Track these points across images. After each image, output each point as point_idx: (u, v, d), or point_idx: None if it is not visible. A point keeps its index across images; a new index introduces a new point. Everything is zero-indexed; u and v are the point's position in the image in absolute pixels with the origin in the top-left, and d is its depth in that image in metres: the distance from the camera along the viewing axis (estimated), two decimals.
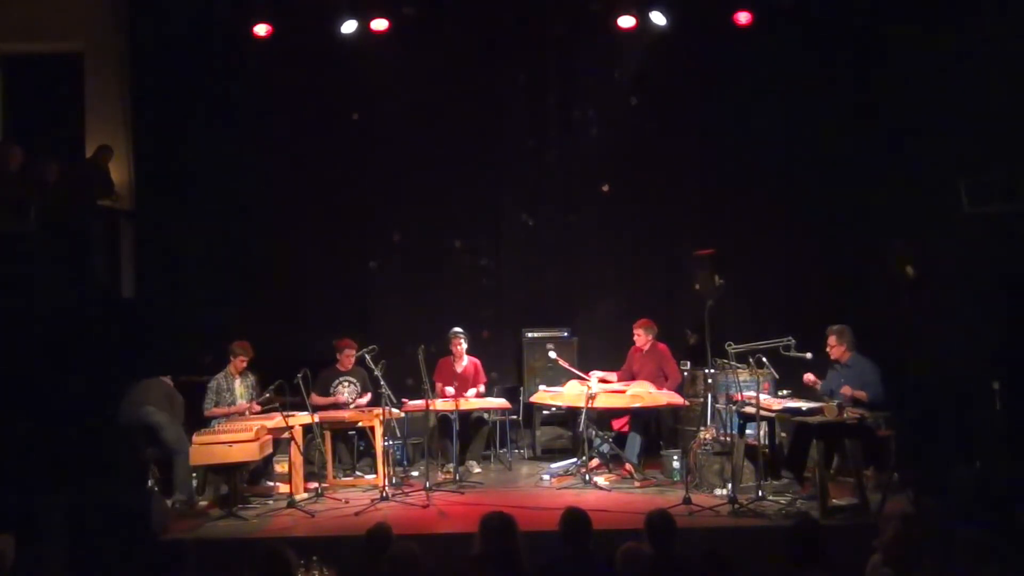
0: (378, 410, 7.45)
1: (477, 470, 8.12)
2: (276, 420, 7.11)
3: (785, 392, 7.37)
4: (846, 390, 6.87)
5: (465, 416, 7.97)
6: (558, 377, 8.41)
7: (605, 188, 9.36)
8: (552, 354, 8.25)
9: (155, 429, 7.08)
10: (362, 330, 8.42)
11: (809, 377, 7.16)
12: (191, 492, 7.13)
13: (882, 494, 6.41)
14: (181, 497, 7.02)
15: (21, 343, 6.89)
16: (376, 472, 7.44)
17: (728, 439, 7.00)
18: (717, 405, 7.47)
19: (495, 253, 9.51)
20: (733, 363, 6.89)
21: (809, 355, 6.81)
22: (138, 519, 5.76)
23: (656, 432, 8.31)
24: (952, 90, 7.80)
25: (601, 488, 7.27)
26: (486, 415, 8.36)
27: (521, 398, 8.88)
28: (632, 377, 8.03)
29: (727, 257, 8.03)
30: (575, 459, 7.94)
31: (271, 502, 7.15)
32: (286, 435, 7.18)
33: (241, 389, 7.56)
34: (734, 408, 7.04)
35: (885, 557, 3.83)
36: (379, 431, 7.41)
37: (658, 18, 8.79)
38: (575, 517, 4.32)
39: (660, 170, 9.30)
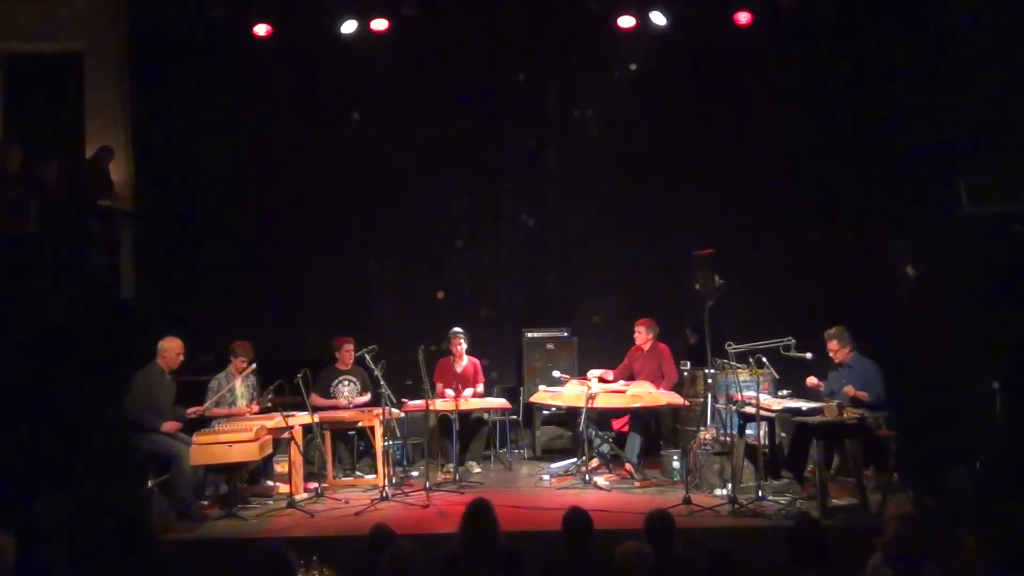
0: (378, 410, 7.45)
1: (477, 470, 8.11)
2: (276, 420, 7.10)
3: (785, 392, 7.36)
4: (848, 390, 6.86)
5: (465, 416, 7.97)
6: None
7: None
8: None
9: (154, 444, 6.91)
10: (362, 330, 8.39)
11: (812, 380, 7.14)
12: (191, 493, 6.92)
13: (882, 494, 6.41)
14: (184, 496, 6.85)
15: (21, 343, 6.89)
16: (376, 472, 7.44)
17: (728, 439, 6.99)
18: (717, 405, 7.46)
19: (495, 253, 9.52)
20: (733, 363, 6.89)
21: (809, 355, 6.80)
22: (138, 519, 5.75)
23: (656, 432, 8.30)
24: (952, 90, 7.80)
25: (601, 488, 7.26)
26: (486, 415, 8.36)
27: (521, 398, 8.88)
28: (631, 376, 8.03)
29: (727, 257, 8.03)
30: (575, 459, 7.94)
31: (271, 502, 7.14)
32: (286, 435, 7.18)
33: (242, 389, 7.55)
34: (734, 408, 7.04)
35: (885, 557, 3.83)
36: (379, 431, 7.40)
37: (658, 18, 8.81)
38: (577, 517, 4.33)
39: (660, 170, 9.30)
